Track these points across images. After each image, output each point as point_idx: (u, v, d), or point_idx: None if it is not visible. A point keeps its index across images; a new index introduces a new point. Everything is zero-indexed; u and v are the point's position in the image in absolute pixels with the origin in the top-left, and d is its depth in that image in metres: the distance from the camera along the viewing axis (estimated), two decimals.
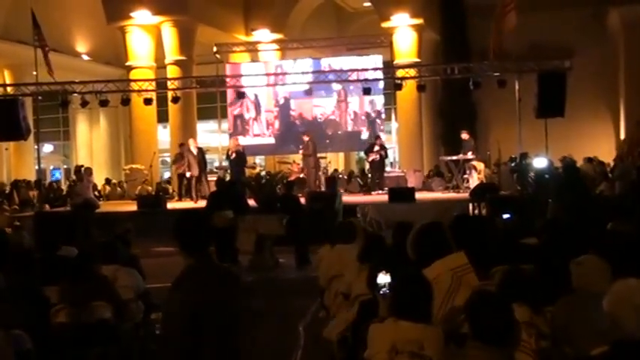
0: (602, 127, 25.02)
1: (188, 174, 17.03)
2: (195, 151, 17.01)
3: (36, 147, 18.57)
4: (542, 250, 5.23)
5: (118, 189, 22.04)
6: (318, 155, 17.84)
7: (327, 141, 20.98)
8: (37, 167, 19.12)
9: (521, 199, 13.75)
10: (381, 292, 3.83)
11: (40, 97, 17.28)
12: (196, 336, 2.96)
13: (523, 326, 3.36)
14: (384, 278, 3.83)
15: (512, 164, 17.50)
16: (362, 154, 21.16)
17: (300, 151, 17.67)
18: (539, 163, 15.33)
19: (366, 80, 17.72)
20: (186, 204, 16.72)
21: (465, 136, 17.43)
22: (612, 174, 17.43)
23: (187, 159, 17.01)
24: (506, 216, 9.42)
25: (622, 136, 24.37)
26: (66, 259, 5.95)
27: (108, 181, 22.98)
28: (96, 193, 19.96)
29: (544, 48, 21.21)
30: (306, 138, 17.88)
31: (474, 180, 16.78)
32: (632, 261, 4.03)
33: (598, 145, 23.32)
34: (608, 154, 21.43)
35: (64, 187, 22.74)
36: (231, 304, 3.09)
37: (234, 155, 16.86)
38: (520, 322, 3.35)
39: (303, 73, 18.69)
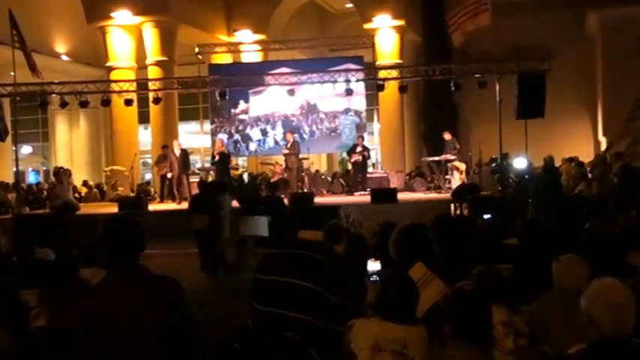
0: (581, 128, 25.33)
1: (169, 175, 16.97)
2: (178, 152, 16.94)
3: (14, 148, 18.38)
4: (521, 249, 5.28)
5: (95, 190, 21.87)
6: (301, 156, 17.85)
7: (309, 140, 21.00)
8: (15, 169, 18.90)
9: (502, 199, 13.84)
10: (371, 279, 3.86)
11: (18, 98, 17.09)
12: (96, 348, 2.85)
13: (501, 326, 3.39)
14: (373, 266, 3.86)
15: (493, 165, 17.62)
16: (344, 154, 21.20)
17: (286, 150, 17.63)
18: (519, 163, 15.46)
19: (348, 81, 17.81)
20: (168, 205, 16.65)
21: (447, 136, 17.53)
22: (591, 174, 17.60)
23: (170, 159, 16.94)
24: (487, 216, 9.49)
25: (600, 137, 24.67)
26: (44, 262, 5.90)
27: (85, 183, 22.77)
28: (76, 195, 19.78)
29: (524, 50, 21.41)
30: (289, 137, 17.88)
31: (455, 180, 16.87)
32: (608, 260, 4.09)
33: (577, 145, 23.59)
34: (586, 155, 21.68)
35: (44, 189, 22.49)
36: (157, 314, 2.89)
37: (217, 157, 16.83)
38: (498, 321, 3.38)
39: (286, 74, 18.67)
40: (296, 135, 19.13)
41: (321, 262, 3.68)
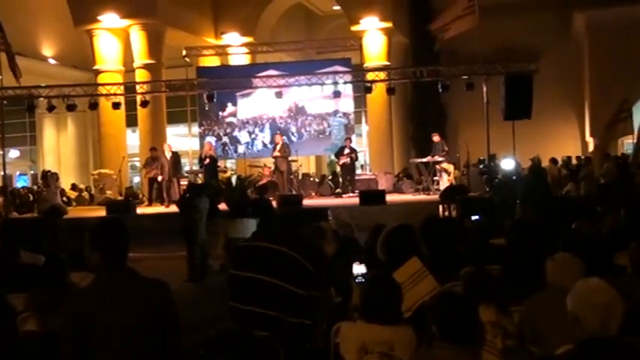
0: (568, 129, 25.50)
1: (160, 177, 16.95)
2: (168, 155, 16.92)
3: (1, 152, 18.24)
4: (509, 250, 5.31)
5: (84, 193, 21.75)
6: (289, 158, 17.85)
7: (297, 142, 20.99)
8: (2, 173, 18.76)
9: (490, 200, 13.90)
10: (357, 280, 3.87)
11: (5, 102, 16.98)
12: (84, 350, 2.87)
13: (489, 326, 3.41)
14: (357, 268, 3.88)
15: (481, 166, 17.70)
16: (333, 157, 21.20)
17: (277, 153, 17.54)
18: (507, 164, 15.54)
19: (335, 83, 17.86)
20: (157, 208, 16.60)
21: (436, 138, 17.58)
22: (578, 175, 17.72)
23: (161, 162, 16.94)
24: (475, 217, 9.54)
25: (587, 137, 24.84)
26: (31, 266, 5.87)
27: (74, 187, 22.64)
28: (64, 199, 19.67)
29: (511, 51, 21.52)
30: (278, 139, 17.85)
31: (443, 182, 16.93)
32: (595, 260, 4.11)
33: (564, 145, 23.76)
34: (574, 155, 21.83)
35: (31, 192, 22.31)
36: (145, 316, 2.90)
37: (207, 160, 16.79)
38: (486, 322, 3.40)
39: (274, 76, 18.69)
40: (284, 137, 19.12)
41: (295, 258, 3.70)
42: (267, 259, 3.75)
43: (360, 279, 3.84)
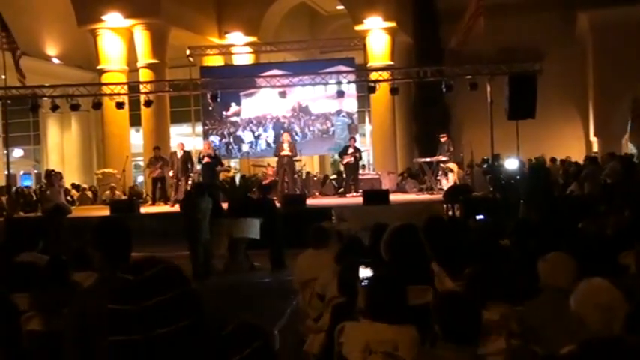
0: (572, 128, 25.46)
1: (171, 173, 17.04)
2: (179, 154, 17.02)
3: (5, 152, 18.30)
4: (513, 250, 5.31)
5: (88, 192, 21.78)
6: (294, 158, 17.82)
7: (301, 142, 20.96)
8: (6, 172, 18.80)
9: (494, 200, 13.88)
10: (362, 283, 3.88)
11: (9, 101, 17.02)
12: (88, 350, 2.88)
13: (494, 325, 3.40)
14: (363, 272, 3.88)
15: (485, 166, 17.67)
16: (337, 156, 21.19)
17: (287, 152, 17.40)
18: (510, 164, 15.51)
19: (339, 83, 17.85)
20: (160, 208, 16.62)
21: (443, 139, 17.57)
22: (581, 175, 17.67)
23: (172, 161, 17.03)
24: (479, 217, 9.52)
25: (591, 137, 24.80)
26: (35, 265, 5.88)
27: (76, 187, 22.65)
28: (68, 198, 19.72)
29: (514, 51, 21.47)
30: (287, 138, 17.80)
31: (449, 182, 16.90)
32: (600, 260, 4.10)
33: (568, 145, 23.73)
34: (578, 155, 21.80)
35: (35, 192, 22.34)
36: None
37: (205, 159, 16.80)
38: (492, 320, 3.39)
39: (277, 76, 18.68)
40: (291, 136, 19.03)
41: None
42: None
43: (365, 282, 3.84)
